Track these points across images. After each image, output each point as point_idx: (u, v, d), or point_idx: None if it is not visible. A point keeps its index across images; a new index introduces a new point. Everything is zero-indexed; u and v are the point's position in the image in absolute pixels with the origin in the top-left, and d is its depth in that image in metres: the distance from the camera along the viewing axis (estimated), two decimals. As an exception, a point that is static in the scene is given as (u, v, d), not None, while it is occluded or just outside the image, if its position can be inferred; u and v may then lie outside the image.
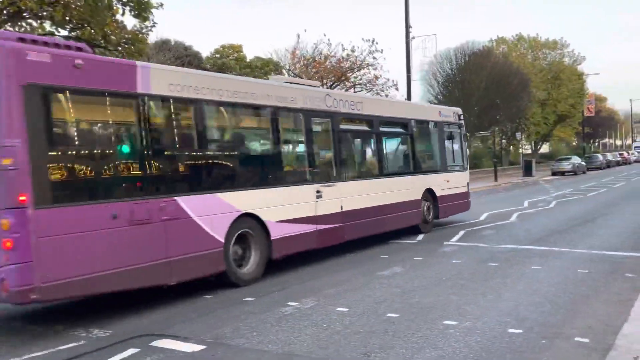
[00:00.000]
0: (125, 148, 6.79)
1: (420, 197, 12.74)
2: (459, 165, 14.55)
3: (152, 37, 26.81)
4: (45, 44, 6.22)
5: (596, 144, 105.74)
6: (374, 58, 26.82)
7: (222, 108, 8.12)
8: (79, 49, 6.61)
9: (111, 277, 6.35)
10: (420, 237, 12.63)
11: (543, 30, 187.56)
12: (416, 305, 6.80)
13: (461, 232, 12.95)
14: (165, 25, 69.00)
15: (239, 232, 8.11)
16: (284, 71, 30.71)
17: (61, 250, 5.84)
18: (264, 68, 30.39)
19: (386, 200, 11.44)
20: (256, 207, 8.39)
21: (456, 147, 14.43)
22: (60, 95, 6.14)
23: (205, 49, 42.22)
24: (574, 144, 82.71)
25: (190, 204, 7.32)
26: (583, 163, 45.45)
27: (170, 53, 28.56)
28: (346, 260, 10.13)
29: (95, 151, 6.46)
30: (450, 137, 14.17)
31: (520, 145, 53.84)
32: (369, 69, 26.56)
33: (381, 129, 11.67)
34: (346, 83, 26.78)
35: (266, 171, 8.84)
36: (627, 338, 5.27)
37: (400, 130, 12.49)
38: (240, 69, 29.77)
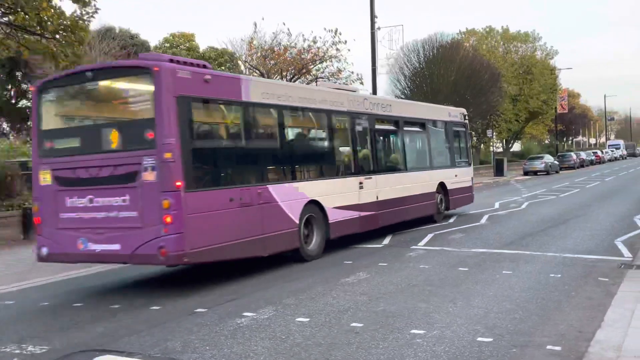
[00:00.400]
0: (236, 146, 9.32)
1: (435, 190, 15.53)
2: (464, 162, 17.58)
3: (95, 25, 26.25)
4: (184, 63, 8.63)
5: (569, 141, 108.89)
6: (337, 50, 26.95)
7: (294, 112, 10.74)
8: (205, 67, 9.02)
9: (229, 247, 8.67)
10: (387, 240, 12.78)
11: (514, 22, 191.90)
12: (382, 313, 6.87)
13: (429, 236, 13.14)
14: (109, 12, 67.64)
15: (307, 215, 10.58)
16: (239, 62, 30.54)
17: (200, 225, 8.09)
18: (218, 59, 30.13)
19: (410, 192, 14.22)
20: (319, 195, 10.91)
21: (462, 144, 17.45)
22: (196, 104, 8.49)
23: (153, 38, 41.58)
24: (546, 141, 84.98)
25: (277, 191, 9.80)
26: (556, 162, 46.69)
27: (114, 42, 28.00)
28: (307, 267, 10.15)
29: (219, 147, 9.05)
30: (457, 136, 17.12)
31: (492, 144, 54.94)
32: (331, 61, 26.66)
33: (405, 128, 14.45)
34: (307, 76, 26.79)
35: (324, 165, 11.63)
36: (601, 344, 5.44)
37: (419, 129, 15.29)
38: (192, 60, 29.37)
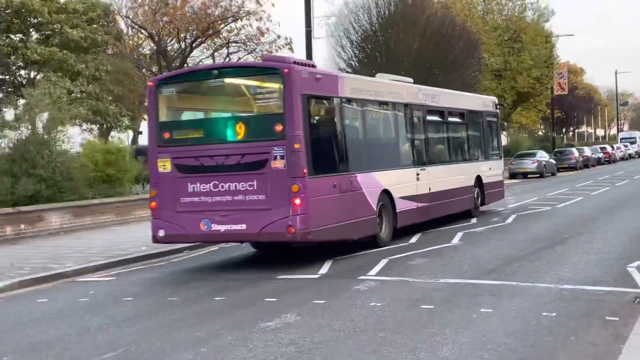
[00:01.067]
0: (335, 137, 13.85)
1: (472, 184, 20.51)
2: (496, 154, 22.66)
3: None
4: (301, 63, 13.33)
5: (570, 133, 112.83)
6: (258, 2, 26.83)
7: (372, 105, 15.49)
8: (313, 66, 14.03)
9: (334, 229, 13.18)
10: (325, 269, 12.88)
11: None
12: (316, 371, 6.91)
13: (383, 262, 13.30)
14: None
15: (380, 204, 14.91)
16: (118, 19, 29.98)
17: (317, 207, 12.34)
18: (87, 14, 29.50)
19: (454, 185, 19.02)
20: (389, 185, 15.37)
21: (494, 135, 22.30)
22: (312, 100, 12.97)
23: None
24: (539, 133, 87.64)
25: (362, 179, 14.29)
26: (552, 161, 48.14)
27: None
28: (214, 306, 10.09)
29: (325, 139, 13.55)
30: (490, 126, 21.92)
31: (468, 135, 56.22)
32: (249, 19, 26.53)
33: (449, 119, 19.46)
34: (215, 39, 26.54)
35: (392, 155, 16.43)
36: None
37: (460, 120, 20.25)
38: (50, 14, 28.71)
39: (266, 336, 8.29)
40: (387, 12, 40.63)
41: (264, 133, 12.86)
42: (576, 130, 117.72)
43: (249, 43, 27.20)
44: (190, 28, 25.27)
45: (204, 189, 12.85)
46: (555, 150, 58.68)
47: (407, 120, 17.23)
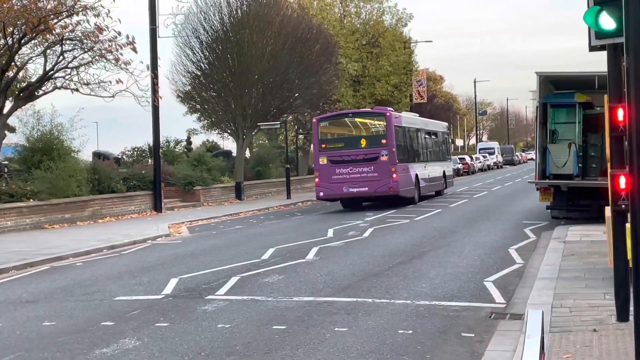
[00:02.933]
0: (403, 145, 32.67)
1: (442, 175, 38.41)
2: (449, 158, 43.15)
3: None
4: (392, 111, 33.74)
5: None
6: (97, -3, 26.11)
7: (416, 130, 35.70)
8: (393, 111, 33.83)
9: (405, 190, 31.18)
10: (169, 288, 12.77)
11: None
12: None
13: (233, 280, 13.31)
14: None
15: (415, 181, 32.84)
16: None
17: (400, 179, 30.29)
18: None
19: (436, 174, 37.23)
20: (417, 171, 33.25)
21: (448, 146, 44.08)
22: (396, 128, 31.34)
23: None
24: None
25: (410, 167, 32.42)
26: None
27: None
28: (43, 332, 9.76)
29: (399, 145, 31.36)
30: (445, 141, 42.34)
31: (325, 144, 57.10)
32: (86, 14, 25.83)
33: (432, 136, 39.12)
34: (47, 35, 25.69)
35: (417, 155, 34.97)
36: None
37: (435, 137, 39.68)
38: None
39: (101, 364, 8.11)
40: (239, 12, 40.70)
41: (376, 144, 30.21)
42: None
43: (86, 41, 26.46)
44: (18, 22, 24.34)
45: (344, 171, 29.93)
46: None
47: (421, 137, 36.06)
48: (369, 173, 29.59)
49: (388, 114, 30.53)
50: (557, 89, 22.76)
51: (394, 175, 29.43)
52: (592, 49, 8.94)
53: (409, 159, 32.53)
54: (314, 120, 32.29)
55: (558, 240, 16.52)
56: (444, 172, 38.69)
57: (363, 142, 30.40)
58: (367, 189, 29.61)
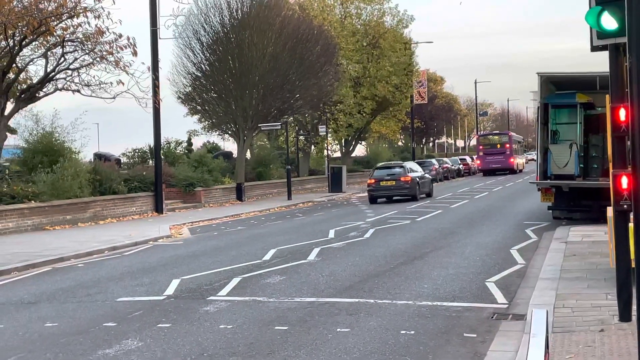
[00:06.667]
0: (515, 149, 71.14)
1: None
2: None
3: None
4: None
5: (430, 144, 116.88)
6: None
7: (515, 140, 74.78)
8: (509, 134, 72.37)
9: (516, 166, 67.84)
10: (171, 289, 12.76)
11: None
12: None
13: (234, 281, 13.31)
14: None
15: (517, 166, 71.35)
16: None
17: (514, 162, 66.37)
18: None
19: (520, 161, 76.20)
20: (518, 160, 73.07)
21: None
22: (514, 140, 72.26)
23: None
24: (400, 143, 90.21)
25: (514, 158, 68.57)
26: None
27: None
28: (45, 333, 9.76)
29: (514, 149, 68.52)
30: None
31: (326, 145, 57.07)
32: (87, 16, 25.81)
33: (518, 143, 76.76)
34: (48, 37, 25.70)
35: (520, 153, 78.23)
36: None
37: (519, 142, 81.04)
38: None
39: (104, 365, 8.11)
40: (240, 13, 40.67)
41: (504, 146, 64.95)
42: (436, 141, 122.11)
43: (87, 43, 26.44)
44: (19, 24, 24.32)
45: (491, 158, 64.47)
46: (416, 161, 60.59)
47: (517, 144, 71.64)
48: (500, 158, 64.03)
49: (510, 134, 69.22)
50: (558, 90, 22.73)
51: (512, 160, 64.15)
52: (594, 49, 8.94)
53: (514, 154, 66.42)
54: (477, 136, 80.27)
55: (560, 241, 16.53)
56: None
57: (499, 145, 64.67)
58: (500, 165, 63.50)
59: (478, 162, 67.32)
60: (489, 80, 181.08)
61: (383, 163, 43.24)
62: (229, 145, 65.55)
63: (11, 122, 29.37)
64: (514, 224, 21.87)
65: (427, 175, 39.67)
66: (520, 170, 66.76)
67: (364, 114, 56.30)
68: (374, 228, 22.08)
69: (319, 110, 50.18)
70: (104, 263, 17.06)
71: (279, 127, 42.66)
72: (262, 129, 42.23)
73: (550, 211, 22.19)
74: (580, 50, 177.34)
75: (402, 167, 36.59)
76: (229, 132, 45.86)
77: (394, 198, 35.50)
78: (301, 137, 53.60)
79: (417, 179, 36.00)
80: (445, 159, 67.97)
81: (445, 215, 26.24)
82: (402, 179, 34.83)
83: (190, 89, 42.56)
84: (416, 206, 30.82)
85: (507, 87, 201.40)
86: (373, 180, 35.53)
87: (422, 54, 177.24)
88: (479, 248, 16.83)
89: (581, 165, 21.47)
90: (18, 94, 27.99)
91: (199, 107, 44.78)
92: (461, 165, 68.36)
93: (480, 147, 67.13)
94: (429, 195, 37.39)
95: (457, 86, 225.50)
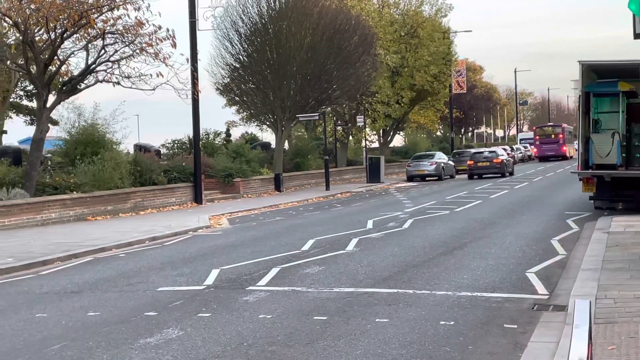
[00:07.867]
0: (569, 137, 77.96)
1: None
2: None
3: None
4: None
5: (469, 134, 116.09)
6: (137, -9, 26.26)
7: (568, 130, 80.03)
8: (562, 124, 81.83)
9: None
10: (211, 279, 12.82)
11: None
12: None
13: (273, 271, 13.35)
14: None
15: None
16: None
17: (568, 150, 74.46)
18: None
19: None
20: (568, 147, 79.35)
21: None
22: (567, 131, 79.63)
23: None
24: (438, 133, 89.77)
25: (566, 147, 76.69)
26: (450, 163, 49.38)
27: None
28: (87, 322, 9.87)
29: (566, 138, 76.63)
30: None
31: (364, 136, 56.95)
32: (127, 8, 25.99)
33: (570, 134, 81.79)
34: (88, 30, 25.95)
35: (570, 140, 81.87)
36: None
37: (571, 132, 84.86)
38: None
39: (146, 354, 8.19)
40: (277, 3, 40.71)
41: (557, 136, 73.44)
42: (475, 131, 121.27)
43: (127, 35, 26.64)
44: (61, 17, 24.56)
45: (546, 147, 73.55)
46: (454, 151, 60.19)
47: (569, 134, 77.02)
48: (555, 145, 72.46)
49: (563, 125, 76.47)
50: (600, 78, 22.41)
51: (565, 148, 71.75)
52: (637, 36, 8.83)
53: (567, 143, 73.37)
54: (535, 128, 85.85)
55: (601, 231, 16.33)
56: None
57: (553, 136, 73.12)
58: (553, 152, 72.11)
59: (535, 150, 76.97)
60: (528, 69, 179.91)
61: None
62: (267, 136, 65.74)
63: (53, 114, 29.74)
64: (554, 214, 21.67)
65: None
66: (571, 157, 71.99)
67: (402, 104, 56.04)
68: (412, 218, 22.01)
69: (357, 101, 49.99)
70: (145, 253, 17.23)
71: (317, 117, 42.63)
72: (300, 119, 42.26)
73: (592, 201, 21.93)
74: (623, 37, 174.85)
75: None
76: (267, 123, 45.98)
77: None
78: (339, 128, 53.56)
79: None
80: (484, 150, 67.10)
81: (485, 205, 26.03)
82: (494, 160, 46.20)
83: (228, 80, 42.77)
84: (455, 196, 30.62)
85: (547, 75, 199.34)
86: (472, 162, 46.81)
87: (460, 43, 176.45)
88: (519, 238, 16.70)
89: (623, 155, 21.19)
90: (60, 86, 28.32)
91: (237, 98, 45.00)
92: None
93: (537, 137, 76.71)
94: (511, 174, 47.14)
95: (497, 75, 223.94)
